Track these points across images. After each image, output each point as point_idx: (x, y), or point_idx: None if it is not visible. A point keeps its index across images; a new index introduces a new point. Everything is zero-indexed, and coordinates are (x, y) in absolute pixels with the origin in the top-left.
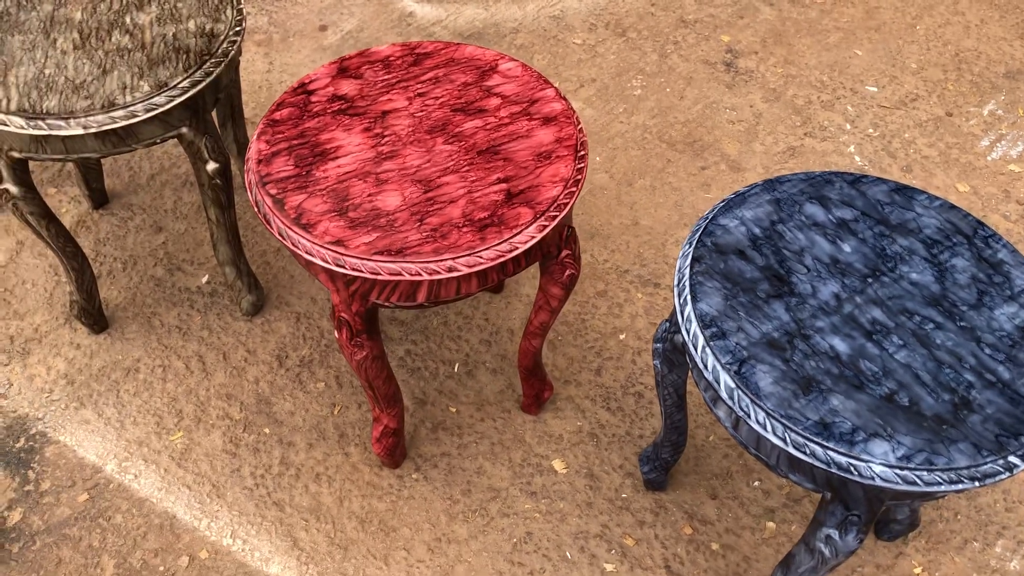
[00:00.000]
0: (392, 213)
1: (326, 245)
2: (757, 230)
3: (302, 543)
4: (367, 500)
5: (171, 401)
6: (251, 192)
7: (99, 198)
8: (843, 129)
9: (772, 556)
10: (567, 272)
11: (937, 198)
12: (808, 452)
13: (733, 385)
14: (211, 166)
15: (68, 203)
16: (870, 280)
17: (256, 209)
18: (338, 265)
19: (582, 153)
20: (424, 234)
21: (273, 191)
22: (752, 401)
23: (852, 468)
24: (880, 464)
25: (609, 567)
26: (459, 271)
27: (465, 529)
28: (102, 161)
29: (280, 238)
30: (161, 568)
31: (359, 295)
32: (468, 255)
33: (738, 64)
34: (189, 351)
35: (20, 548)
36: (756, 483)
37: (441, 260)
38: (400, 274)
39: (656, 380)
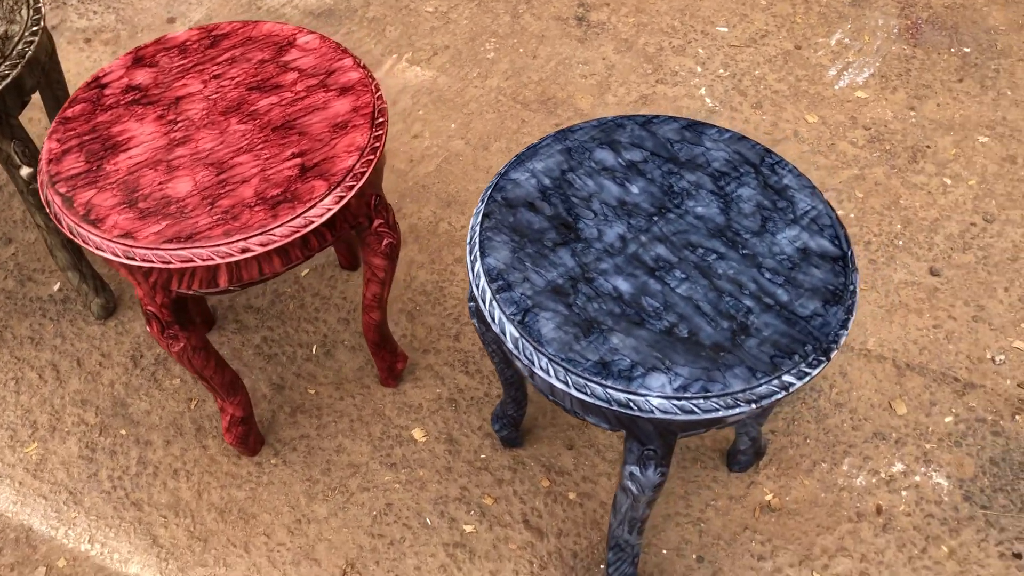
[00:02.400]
0: (183, 199)
1: (115, 239)
2: (547, 181)
3: (161, 540)
4: (226, 490)
5: (24, 413)
6: (42, 192)
7: None
8: (694, 72)
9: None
10: (384, 241)
11: (727, 131)
12: (589, 392)
13: (517, 335)
14: (24, 171)
15: None
16: (656, 218)
17: (48, 209)
18: (128, 257)
19: (380, 120)
20: (215, 217)
21: (63, 189)
22: (535, 348)
23: (632, 404)
24: (657, 396)
25: (468, 528)
26: (253, 251)
27: (325, 508)
28: None
29: (72, 236)
30: None
31: (160, 286)
32: (260, 234)
33: (589, 18)
34: (43, 360)
35: None
36: None
37: (232, 242)
38: (192, 260)
39: (480, 339)
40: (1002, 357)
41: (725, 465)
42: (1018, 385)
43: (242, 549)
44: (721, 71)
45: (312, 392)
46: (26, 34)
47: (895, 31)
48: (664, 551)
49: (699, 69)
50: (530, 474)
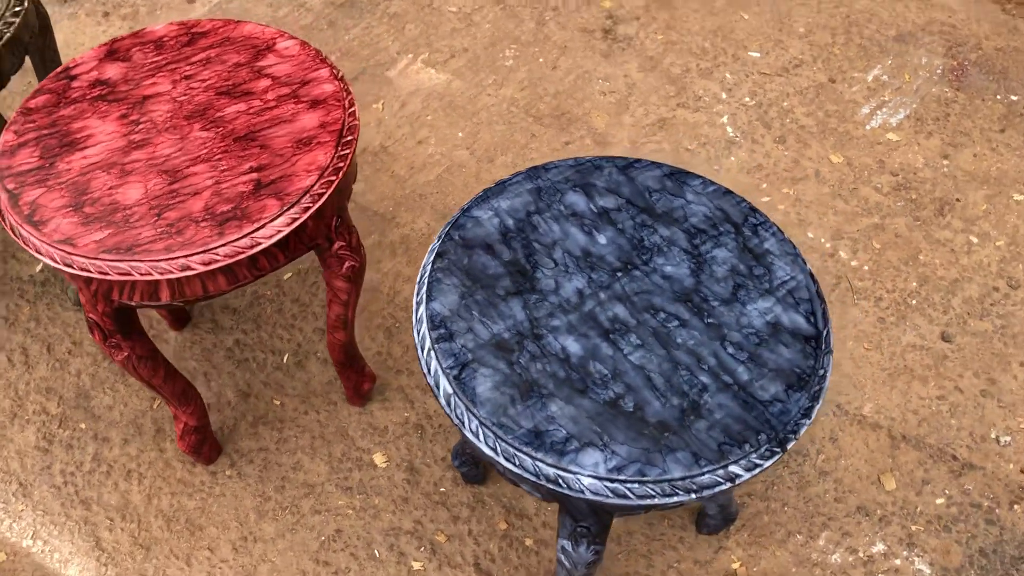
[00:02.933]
0: (130, 207)
1: (55, 244)
2: (510, 221)
3: (104, 543)
4: (176, 498)
5: None
6: None
7: None
8: (718, 98)
9: None
10: (346, 264)
11: (712, 183)
12: (517, 463)
13: (451, 391)
14: None
15: None
16: (620, 274)
17: None
18: (66, 264)
19: (348, 139)
20: (159, 230)
21: (11, 185)
22: (467, 408)
23: (561, 480)
24: (589, 476)
25: (417, 565)
26: (193, 270)
27: (273, 527)
28: None
29: (13, 235)
30: None
31: (101, 295)
32: (203, 252)
33: (617, 31)
34: (14, 343)
35: None
36: None
37: (173, 258)
38: (130, 273)
39: None
40: (1008, 438)
41: (694, 525)
42: (1021, 471)
43: (183, 562)
44: (747, 99)
45: (278, 403)
46: (7, 15)
47: (939, 71)
48: None
49: (724, 95)
50: (488, 514)
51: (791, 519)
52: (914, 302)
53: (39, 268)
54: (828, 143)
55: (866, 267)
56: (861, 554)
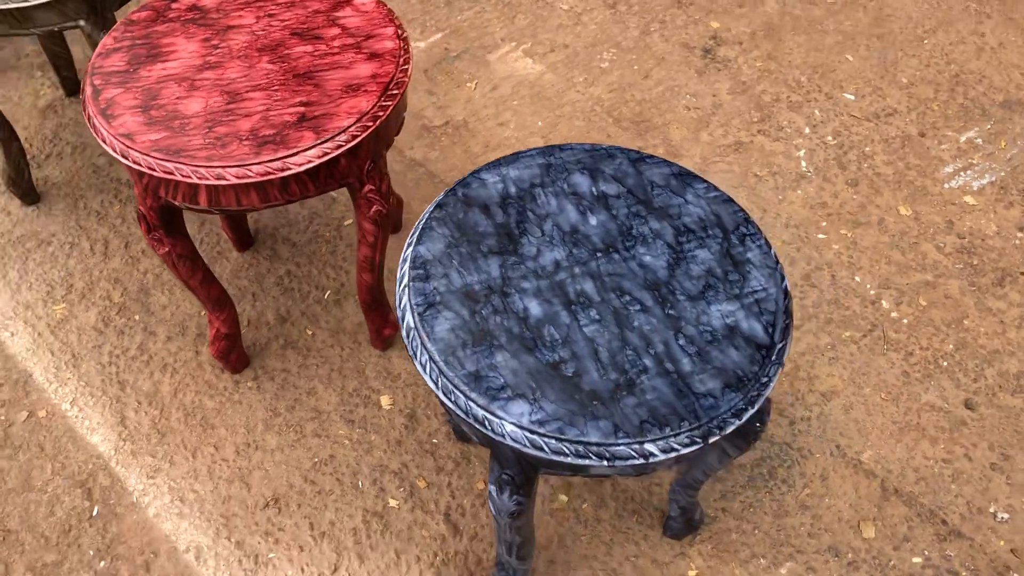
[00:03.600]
0: (188, 117)
1: (117, 136)
2: (513, 189)
3: (128, 422)
4: (199, 396)
5: (67, 275)
6: (83, 80)
7: (71, 87)
8: (800, 132)
9: (552, 525)
10: (373, 208)
11: (716, 189)
12: (452, 400)
13: (413, 325)
14: None
15: (47, 88)
16: (599, 255)
17: (81, 95)
18: (123, 156)
19: (393, 92)
20: (207, 141)
21: (97, 81)
22: (422, 343)
23: (487, 423)
24: (512, 424)
25: (393, 503)
26: (227, 180)
27: (276, 440)
28: (71, 53)
29: (88, 124)
30: (1, 417)
31: (151, 189)
32: (238, 167)
33: (717, 52)
34: (98, 234)
35: None
36: None
37: (211, 167)
38: (173, 174)
39: None
40: (1006, 516)
41: (661, 528)
42: (1011, 550)
43: (190, 453)
44: (829, 138)
45: (309, 333)
46: None
47: None
48: None
49: (807, 130)
50: (470, 472)
51: (759, 543)
52: (945, 364)
53: None
54: (900, 194)
55: (905, 320)
56: None
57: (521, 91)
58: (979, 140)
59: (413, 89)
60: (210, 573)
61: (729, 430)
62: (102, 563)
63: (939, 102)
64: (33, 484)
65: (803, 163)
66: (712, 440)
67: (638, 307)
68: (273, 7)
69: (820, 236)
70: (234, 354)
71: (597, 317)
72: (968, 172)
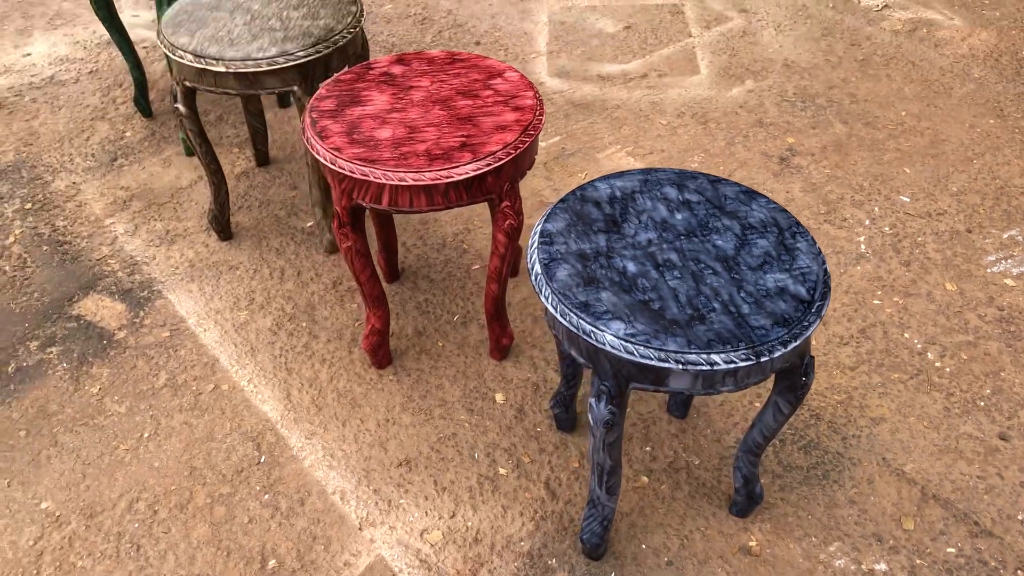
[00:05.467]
0: (380, 141)
1: (328, 149)
2: (619, 193)
3: (292, 398)
4: (350, 383)
5: (249, 292)
6: (303, 116)
7: (262, 159)
8: (861, 223)
9: (635, 499)
10: (507, 221)
11: (775, 203)
12: (567, 318)
13: (540, 272)
14: None
15: (243, 160)
16: (683, 237)
17: (302, 125)
18: (332, 163)
19: (530, 132)
20: (394, 155)
21: (314, 116)
22: (546, 283)
23: (592, 335)
24: (611, 335)
25: (503, 471)
26: (406, 182)
27: (409, 419)
28: (268, 132)
29: (307, 143)
30: (194, 387)
31: (347, 193)
32: (415, 172)
33: (792, 160)
34: (276, 265)
35: (114, 353)
36: (648, 448)
37: (395, 171)
38: (368, 176)
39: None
40: None
41: (727, 510)
42: None
43: (340, 423)
44: (887, 229)
45: (440, 344)
46: (344, 31)
47: None
48: (644, 546)
49: (867, 222)
50: (567, 454)
51: (811, 526)
52: (982, 404)
53: (309, 224)
54: (948, 274)
55: (948, 369)
56: (864, 566)
57: None
58: (1020, 237)
59: (533, 175)
60: (351, 510)
61: (777, 354)
62: (266, 496)
63: (985, 207)
64: (215, 436)
65: (863, 246)
66: (763, 359)
67: (711, 271)
68: (444, 76)
69: (875, 302)
70: (382, 350)
71: (679, 276)
72: (1009, 261)
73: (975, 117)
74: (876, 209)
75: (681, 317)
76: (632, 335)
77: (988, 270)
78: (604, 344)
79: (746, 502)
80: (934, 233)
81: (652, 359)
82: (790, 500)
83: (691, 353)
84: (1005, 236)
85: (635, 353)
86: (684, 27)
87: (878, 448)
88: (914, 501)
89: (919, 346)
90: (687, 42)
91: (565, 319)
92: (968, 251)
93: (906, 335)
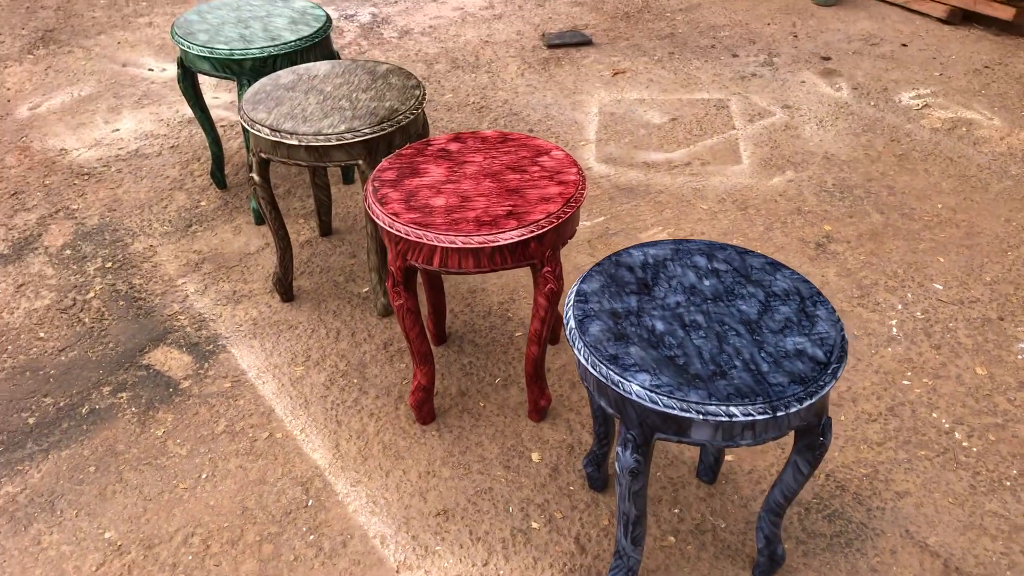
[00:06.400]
0: (434, 208)
1: (387, 214)
2: (651, 260)
3: (340, 447)
4: (395, 437)
5: (307, 349)
6: (365, 184)
7: (325, 230)
8: (894, 307)
9: (661, 559)
10: (548, 286)
11: (798, 274)
12: (597, 369)
13: (573, 327)
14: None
15: (307, 230)
16: (709, 302)
17: (364, 194)
18: (390, 226)
19: (572, 204)
20: (446, 221)
21: (376, 184)
22: (579, 337)
23: (620, 385)
24: (638, 385)
25: (535, 525)
26: (455, 245)
27: (449, 472)
28: (332, 205)
29: (367, 209)
30: (250, 434)
31: (401, 254)
32: (465, 236)
33: (828, 247)
34: (332, 326)
35: (179, 400)
36: (676, 510)
37: (446, 235)
38: (421, 239)
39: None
40: None
41: (750, 572)
42: None
43: (384, 473)
44: (919, 314)
45: (482, 405)
46: (407, 112)
47: None
48: None
49: (900, 307)
50: (598, 512)
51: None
52: (1008, 484)
53: (366, 290)
54: (978, 359)
55: (975, 449)
56: None
57: None
58: None
59: (577, 250)
60: (390, 554)
61: (792, 410)
62: (311, 537)
63: (1018, 297)
64: (267, 480)
65: (894, 330)
66: (779, 414)
67: (734, 333)
68: (496, 153)
69: (905, 382)
70: (426, 407)
71: (703, 336)
72: None
73: (1011, 212)
74: (909, 295)
75: (704, 372)
76: (657, 386)
77: (1019, 356)
78: (631, 394)
79: (768, 563)
80: (966, 319)
81: (675, 409)
82: (813, 566)
83: (711, 404)
84: None
85: (659, 403)
86: (728, 120)
87: (902, 520)
88: (936, 573)
89: (947, 426)
90: (731, 134)
91: (596, 370)
92: (999, 338)
93: (934, 415)
